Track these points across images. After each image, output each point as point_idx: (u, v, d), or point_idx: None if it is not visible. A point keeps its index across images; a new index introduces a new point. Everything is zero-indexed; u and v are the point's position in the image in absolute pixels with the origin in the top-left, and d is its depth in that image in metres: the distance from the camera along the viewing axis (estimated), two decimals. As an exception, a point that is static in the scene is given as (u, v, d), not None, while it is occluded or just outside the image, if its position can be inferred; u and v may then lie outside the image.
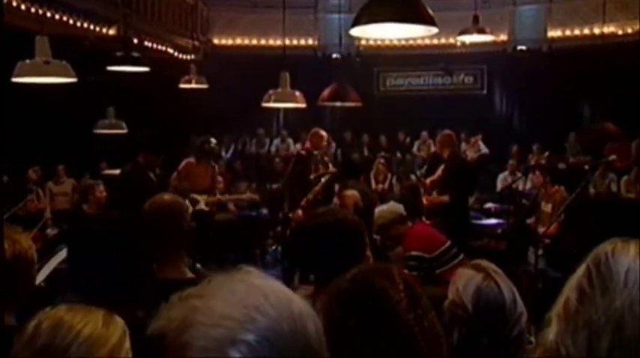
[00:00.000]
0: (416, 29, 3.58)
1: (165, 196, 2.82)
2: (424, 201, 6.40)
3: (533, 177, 8.51)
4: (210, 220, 7.16)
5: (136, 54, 7.33)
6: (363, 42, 13.25)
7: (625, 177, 8.64)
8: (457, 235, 5.22)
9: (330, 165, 7.75)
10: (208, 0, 13.24)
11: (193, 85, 9.57)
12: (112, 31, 9.34)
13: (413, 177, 10.02)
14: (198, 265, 4.41)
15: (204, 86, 9.65)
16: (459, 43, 11.50)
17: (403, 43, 13.15)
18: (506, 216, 8.18)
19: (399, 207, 4.80)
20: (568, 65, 11.85)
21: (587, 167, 7.03)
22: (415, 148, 13.75)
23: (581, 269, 1.13)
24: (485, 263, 2.01)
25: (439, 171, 6.81)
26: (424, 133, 13.44)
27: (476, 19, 7.68)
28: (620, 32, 11.22)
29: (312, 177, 7.34)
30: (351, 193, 5.57)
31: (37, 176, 9.87)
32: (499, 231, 7.61)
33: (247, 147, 14.60)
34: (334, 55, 13.02)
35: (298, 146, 13.01)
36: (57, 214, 8.85)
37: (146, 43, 10.24)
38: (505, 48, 12.99)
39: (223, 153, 13.73)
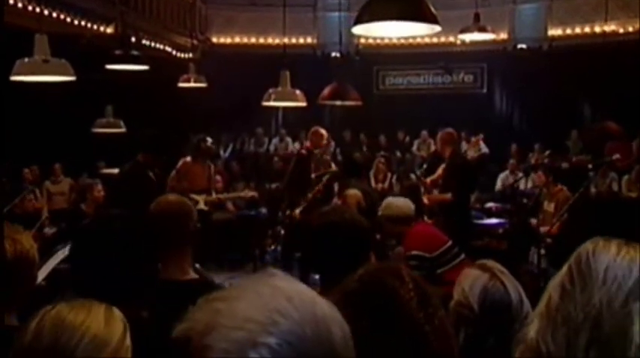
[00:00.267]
0: (419, 27, 3.55)
1: (170, 197, 2.83)
2: (425, 200, 6.38)
3: (535, 176, 8.49)
4: (208, 220, 7.12)
5: (135, 52, 7.29)
6: (363, 40, 13.22)
7: (626, 177, 8.63)
8: (459, 234, 5.20)
9: (333, 165, 7.73)
10: (207, -2, 13.23)
11: (192, 84, 9.54)
12: (109, 30, 9.31)
13: (413, 176, 10.00)
14: (197, 265, 4.39)
15: (203, 85, 9.61)
16: (458, 42, 11.46)
17: (403, 41, 13.10)
18: (507, 215, 8.16)
19: (410, 208, 4.75)
20: (568, 64, 11.84)
21: (590, 166, 7.01)
22: (415, 147, 13.74)
23: (564, 268, 1.15)
24: (491, 263, 2.00)
25: (439, 170, 6.80)
26: (424, 132, 13.42)
27: (477, 17, 7.64)
28: (621, 31, 11.21)
29: (313, 176, 7.31)
30: (354, 192, 5.54)
31: (32, 175, 9.82)
32: (500, 230, 7.59)
33: (246, 147, 14.58)
34: (333, 54, 12.96)
35: (297, 145, 12.99)
36: (54, 214, 8.79)
37: (144, 42, 10.21)
38: (505, 46, 12.97)
39: (222, 153, 13.70)
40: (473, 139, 12.03)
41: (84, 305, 1.42)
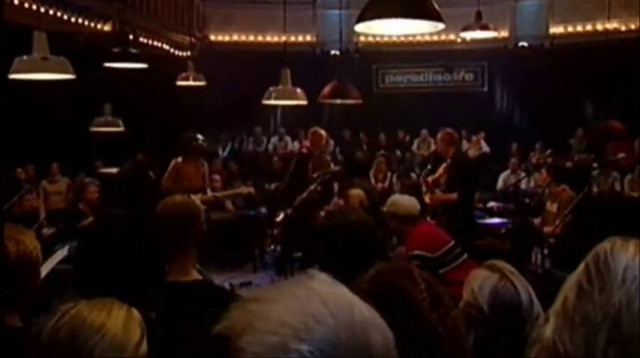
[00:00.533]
0: (423, 25, 3.50)
1: (177, 198, 2.83)
2: (428, 200, 6.34)
3: (537, 175, 8.46)
4: (206, 219, 7.02)
5: (133, 50, 7.24)
6: (362, 38, 13.19)
7: (628, 176, 8.63)
8: (463, 234, 5.17)
9: (332, 165, 7.69)
10: (205, -4, 13.18)
11: (191, 83, 9.46)
12: (107, 27, 9.27)
13: (413, 175, 9.95)
14: (197, 265, 4.34)
15: (202, 83, 9.53)
16: (459, 40, 11.42)
17: (403, 39, 13.03)
18: (509, 215, 8.13)
19: (416, 207, 4.72)
20: (570, 62, 11.82)
21: (595, 165, 6.98)
22: (415, 146, 13.72)
23: (580, 267, 1.14)
24: (500, 263, 1.97)
25: (440, 170, 6.76)
26: (424, 131, 13.41)
27: (479, 15, 7.61)
28: (623, 28, 11.19)
29: (314, 176, 7.25)
30: (356, 192, 5.49)
31: (26, 175, 9.76)
32: (503, 230, 7.55)
33: (244, 146, 14.53)
34: (333, 52, 12.91)
35: (296, 144, 12.96)
36: (52, 214, 8.72)
37: (142, 39, 10.17)
38: (506, 44, 12.95)
39: (220, 152, 13.65)
40: (474, 138, 12.01)
41: (105, 306, 1.42)
